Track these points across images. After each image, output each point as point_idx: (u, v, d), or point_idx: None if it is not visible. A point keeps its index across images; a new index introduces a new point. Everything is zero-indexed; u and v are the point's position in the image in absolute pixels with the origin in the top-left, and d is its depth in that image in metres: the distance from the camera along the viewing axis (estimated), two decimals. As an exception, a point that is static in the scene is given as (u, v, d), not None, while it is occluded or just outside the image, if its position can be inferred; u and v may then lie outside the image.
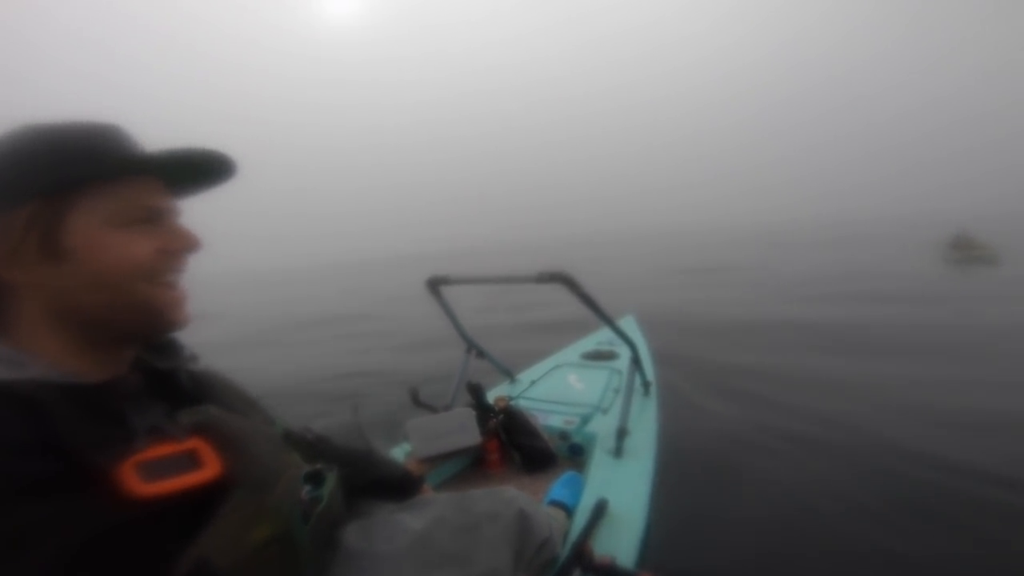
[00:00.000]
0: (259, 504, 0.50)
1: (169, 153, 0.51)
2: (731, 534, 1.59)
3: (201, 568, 0.43)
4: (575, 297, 1.41)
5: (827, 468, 1.95)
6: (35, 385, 0.43)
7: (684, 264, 13.09)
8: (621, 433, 1.54)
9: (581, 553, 0.99)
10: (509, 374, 2.28)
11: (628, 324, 2.99)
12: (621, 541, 1.13)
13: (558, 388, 2.12)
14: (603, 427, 1.66)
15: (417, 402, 1.69)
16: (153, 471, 0.43)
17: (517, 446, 1.61)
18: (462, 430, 1.56)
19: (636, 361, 1.85)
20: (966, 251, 10.51)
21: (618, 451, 1.50)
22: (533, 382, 2.22)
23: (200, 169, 0.57)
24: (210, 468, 0.47)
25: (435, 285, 1.70)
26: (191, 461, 0.47)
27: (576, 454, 1.66)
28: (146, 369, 0.57)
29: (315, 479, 0.63)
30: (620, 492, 1.29)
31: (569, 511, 1.25)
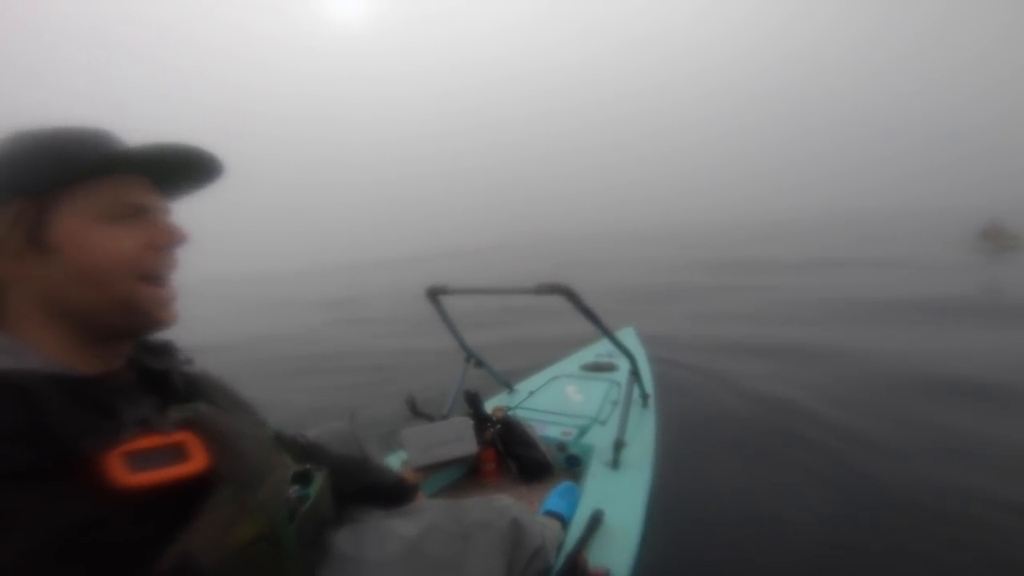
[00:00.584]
0: (245, 501, 0.50)
1: (149, 148, 0.53)
2: (727, 548, 1.58)
3: (185, 564, 0.43)
4: (574, 308, 1.41)
5: (828, 480, 1.93)
6: (28, 374, 0.44)
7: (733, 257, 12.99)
8: (618, 445, 1.53)
9: (575, 564, 0.99)
10: (507, 384, 2.28)
11: (628, 336, 2.99)
12: (617, 553, 1.12)
13: (556, 399, 2.12)
14: (601, 438, 1.66)
15: (414, 411, 1.69)
16: (140, 462, 0.43)
17: (514, 456, 1.60)
18: (458, 439, 1.55)
19: (635, 373, 1.85)
20: (998, 240, 10.49)
21: (615, 463, 1.50)
22: (531, 392, 2.21)
23: (185, 167, 0.58)
24: (197, 461, 0.47)
25: (434, 295, 1.71)
26: (178, 454, 0.47)
27: (573, 465, 1.65)
28: (141, 369, 0.58)
29: (303, 479, 0.63)
30: (616, 503, 1.29)
31: (565, 521, 1.24)
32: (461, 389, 1.83)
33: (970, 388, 2.86)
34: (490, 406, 1.79)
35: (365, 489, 0.89)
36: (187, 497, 0.46)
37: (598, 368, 2.48)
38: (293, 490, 0.60)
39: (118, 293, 0.51)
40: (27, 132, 0.51)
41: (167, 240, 0.56)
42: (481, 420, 1.64)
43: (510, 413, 1.72)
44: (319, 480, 0.65)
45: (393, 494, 0.94)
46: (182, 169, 0.58)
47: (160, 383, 0.58)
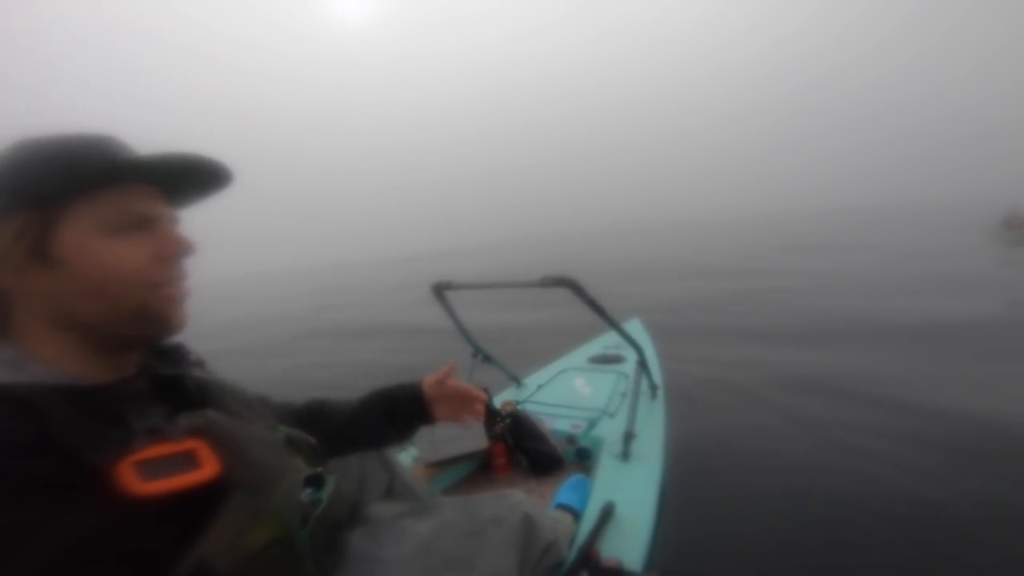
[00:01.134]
0: (258, 506, 0.50)
1: (156, 157, 0.52)
2: (739, 538, 1.58)
3: (202, 571, 0.44)
4: (580, 300, 1.41)
5: (840, 470, 1.93)
6: (34, 387, 0.44)
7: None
8: (628, 437, 1.53)
9: (588, 556, 0.99)
10: (515, 379, 2.28)
11: (635, 327, 2.98)
12: (628, 544, 1.13)
13: (565, 392, 2.12)
14: (610, 431, 1.66)
15: None
16: (151, 470, 0.44)
17: (524, 450, 1.61)
18: (469, 435, 1.56)
19: (643, 364, 1.85)
20: (1020, 229, 10.35)
21: (625, 455, 1.50)
22: (540, 386, 2.22)
23: (193, 176, 0.57)
24: (208, 468, 0.47)
25: (440, 290, 1.71)
26: (189, 461, 0.47)
27: (583, 458, 1.65)
28: (152, 375, 0.58)
29: (316, 482, 0.63)
30: (627, 495, 1.29)
31: (576, 514, 1.25)
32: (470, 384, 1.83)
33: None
34: (499, 400, 1.80)
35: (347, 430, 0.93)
36: (200, 505, 0.46)
37: (606, 360, 2.48)
38: (306, 493, 0.60)
39: (130, 304, 0.51)
40: (30, 140, 0.50)
41: (175, 250, 0.55)
42: (491, 415, 1.65)
43: (519, 407, 1.72)
44: (331, 483, 0.65)
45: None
46: (190, 178, 0.57)
47: (171, 388, 0.58)
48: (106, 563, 0.41)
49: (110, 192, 0.50)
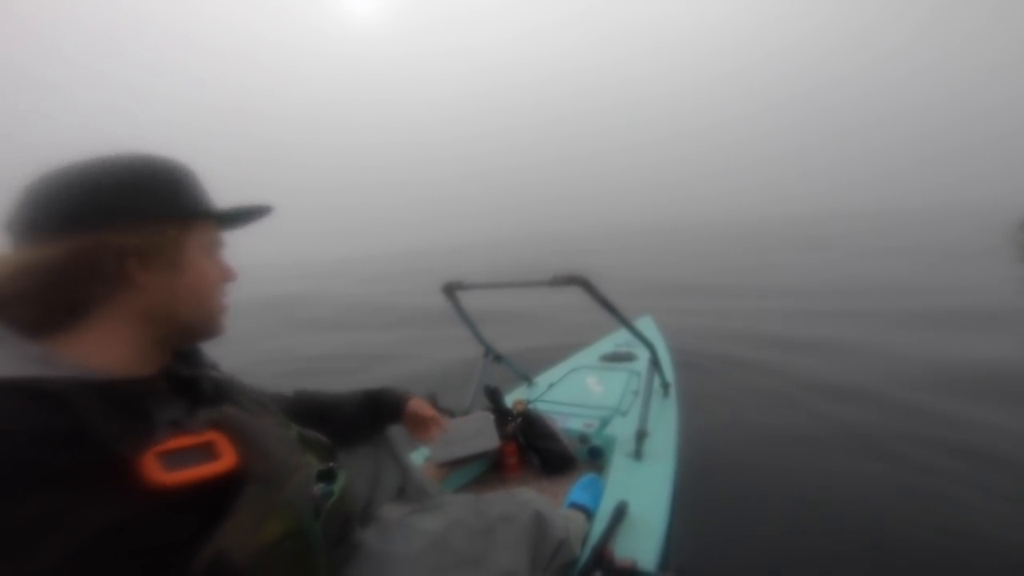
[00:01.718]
0: (272, 498, 0.52)
1: (241, 209, 0.65)
2: (753, 537, 1.56)
3: (219, 562, 0.45)
4: (592, 299, 1.40)
5: (855, 469, 1.90)
6: (64, 381, 0.46)
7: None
8: (641, 435, 1.52)
9: (601, 556, 0.99)
10: (527, 377, 2.28)
11: (646, 325, 2.97)
12: (642, 544, 1.12)
13: (576, 390, 2.11)
14: (622, 429, 1.65)
15: (435, 407, 1.70)
16: (173, 461, 0.46)
17: (536, 449, 1.60)
18: (480, 434, 1.56)
19: (655, 362, 1.83)
20: None
21: (638, 453, 1.49)
22: (551, 385, 2.21)
23: (246, 218, 0.68)
24: (226, 460, 0.50)
25: (451, 290, 1.71)
26: (209, 453, 0.50)
27: (596, 457, 1.64)
28: (171, 375, 0.60)
29: (328, 477, 0.65)
30: (640, 494, 1.28)
31: (589, 514, 1.24)
32: (481, 384, 1.83)
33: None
34: (510, 400, 1.79)
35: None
36: (218, 496, 0.48)
37: (617, 358, 2.47)
38: (318, 488, 0.62)
39: (211, 309, 0.62)
40: (160, 159, 0.57)
41: (231, 275, 0.66)
42: (502, 414, 1.64)
43: (530, 406, 1.72)
44: (343, 477, 0.67)
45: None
46: (244, 220, 0.68)
47: (189, 387, 0.59)
48: (130, 552, 0.42)
49: (212, 223, 0.62)
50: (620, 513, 1.16)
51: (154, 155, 0.57)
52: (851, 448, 2.07)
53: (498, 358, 2.13)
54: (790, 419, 2.41)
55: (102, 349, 0.51)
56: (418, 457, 1.58)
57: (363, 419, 1.00)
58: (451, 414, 1.68)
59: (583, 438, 1.68)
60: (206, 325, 0.62)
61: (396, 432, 1.08)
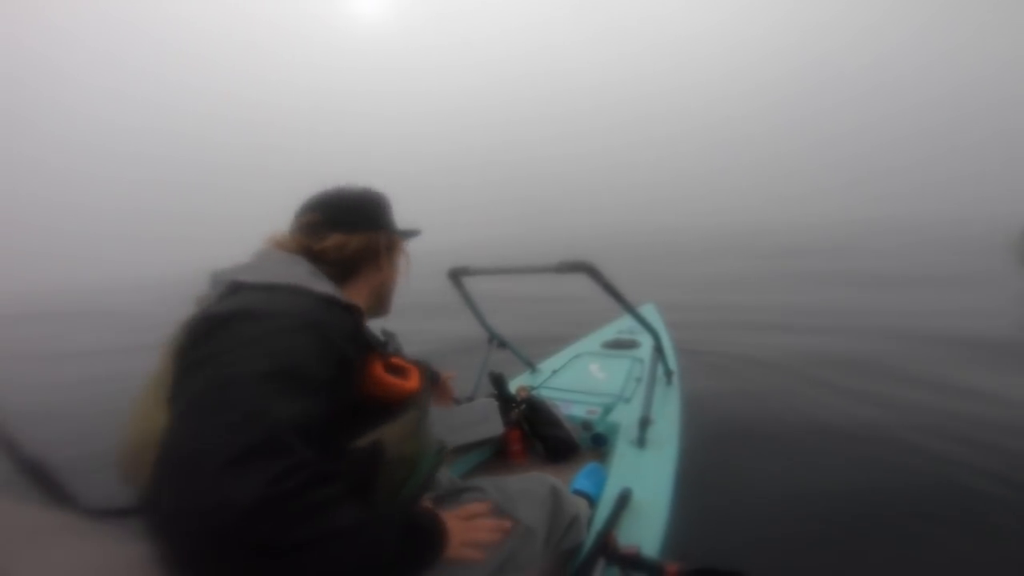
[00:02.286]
0: (419, 425, 0.75)
1: (413, 231, 0.98)
2: (756, 523, 1.57)
3: (375, 446, 0.67)
4: (598, 286, 1.39)
5: (857, 456, 1.91)
6: (351, 305, 0.74)
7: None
8: (644, 423, 1.53)
9: (606, 543, 1.00)
10: (530, 364, 2.28)
11: (649, 312, 2.96)
12: (645, 531, 1.13)
13: (580, 377, 2.11)
14: (626, 416, 1.66)
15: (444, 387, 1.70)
16: (391, 370, 0.74)
17: (540, 436, 1.61)
18: (485, 420, 1.56)
19: (658, 350, 1.83)
20: None
21: (641, 441, 1.49)
22: (555, 371, 2.21)
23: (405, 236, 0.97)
24: (413, 383, 0.76)
25: (457, 276, 1.70)
26: (407, 374, 0.77)
27: (599, 444, 1.65)
28: None
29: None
30: (644, 482, 1.29)
31: (593, 501, 1.25)
32: (485, 370, 1.83)
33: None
34: (513, 386, 1.80)
35: None
36: (394, 403, 0.72)
37: (620, 345, 2.47)
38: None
39: (388, 295, 0.94)
40: (373, 190, 0.91)
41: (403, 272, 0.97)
42: (506, 401, 1.65)
43: (534, 393, 1.72)
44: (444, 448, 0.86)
45: None
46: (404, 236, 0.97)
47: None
48: (347, 422, 0.65)
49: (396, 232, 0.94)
50: (624, 500, 1.16)
51: (368, 187, 0.90)
52: (853, 435, 2.08)
53: (502, 344, 2.13)
54: (793, 407, 2.42)
55: (358, 300, 0.83)
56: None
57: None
58: (456, 400, 1.68)
59: (586, 425, 1.69)
60: (388, 304, 0.95)
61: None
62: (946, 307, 4.63)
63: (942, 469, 1.79)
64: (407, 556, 0.61)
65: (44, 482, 0.73)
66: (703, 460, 1.77)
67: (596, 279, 1.36)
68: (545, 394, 1.83)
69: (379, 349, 0.75)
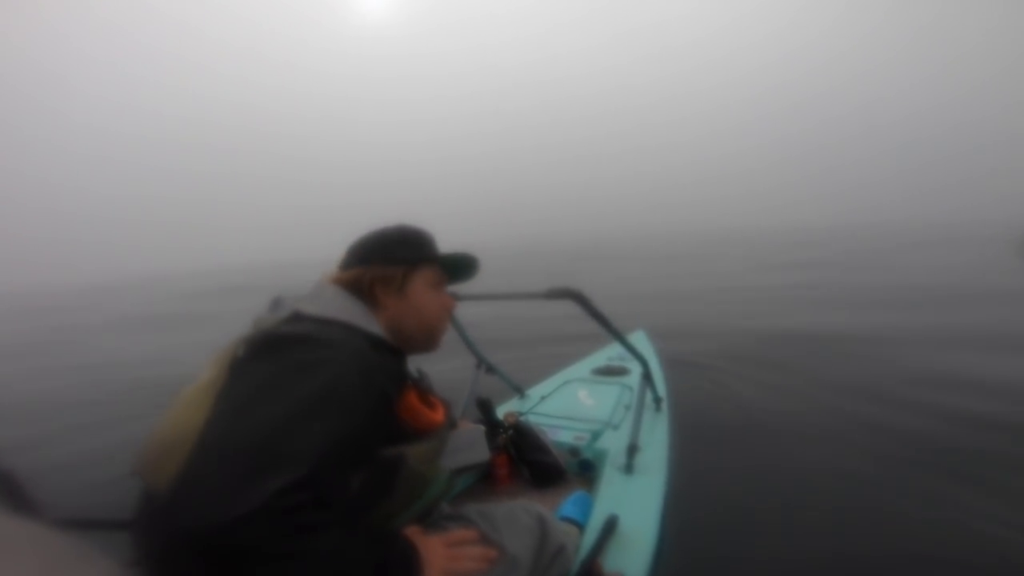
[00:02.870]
0: (437, 452, 0.84)
1: (453, 255, 0.97)
2: (743, 553, 1.55)
3: (399, 457, 0.75)
4: (585, 313, 1.40)
5: (847, 485, 1.91)
6: (398, 349, 0.86)
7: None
8: (632, 449, 1.52)
9: (591, 569, 0.98)
10: (519, 389, 2.27)
11: (639, 339, 2.97)
12: (632, 558, 1.11)
13: (568, 404, 2.11)
14: (614, 443, 1.65)
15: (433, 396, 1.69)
16: (424, 402, 0.83)
17: (527, 462, 1.60)
18: (471, 447, 1.54)
19: (647, 377, 1.84)
20: None
21: (629, 467, 1.49)
22: (543, 397, 2.20)
23: (462, 266, 1.00)
24: (438, 416, 0.85)
25: None
26: (434, 406, 0.86)
27: (586, 470, 1.64)
28: None
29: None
30: (631, 509, 1.28)
31: (580, 528, 1.24)
32: (473, 395, 1.82)
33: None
34: (501, 411, 1.79)
35: None
36: (419, 430, 0.80)
37: (610, 372, 2.47)
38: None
39: (427, 330, 0.94)
40: (402, 226, 0.95)
41: (450, 307, 0.99)
42: (493, 426, 1.64)
43: (522, 418, 1.71)
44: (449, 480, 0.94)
45: None
46: (461, 267, 1.00)
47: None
48: (388, 433, 0.74)
49: (433, 265, 0.95)
50: (610, 527, 1.15)
51: (403, 224, 0.95)
52: (844, 465, 2.08)
53: (491, 369, 2.12)
54: (783, 434, 2.41)
55: (388, 331, 0.87)
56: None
57: None
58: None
59: (574, 451, 1.68)
60: (425, 339, 0.94)
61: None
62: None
63: (944, 497, 1.78)
64: None
65: (10, 490, 0.72)
66: (691, 488, 1.76)
67: (584, 306, 1.37)
68: (533, 420, 1.82)
69: (415, 383, 0.84)
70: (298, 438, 0.57)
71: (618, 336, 1.57)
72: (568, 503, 1.36)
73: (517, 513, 0.98)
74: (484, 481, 1.64)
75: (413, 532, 0.80)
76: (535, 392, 2.31)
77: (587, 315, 1.41)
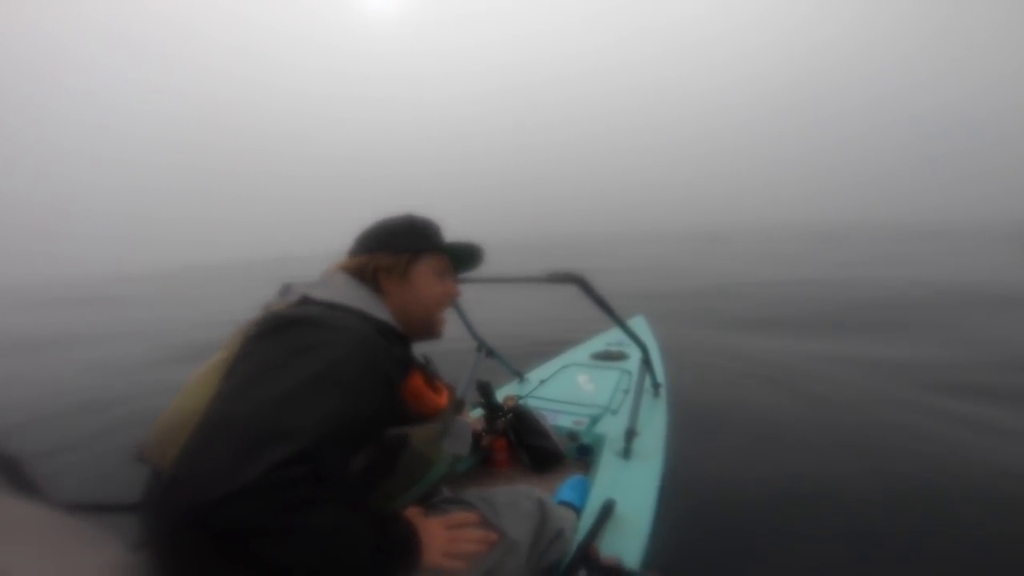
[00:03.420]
0: (440, 435, 0.81)
1: (459, 244, 0.99)
2: (737, 537, 1.58)
3: (403, 438, 0.75)
4: (587, 297, 1.40)
5: (841, 472, 1.93)
6: (397, 331, 0.86)
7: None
8: (630, 434, 1.53)
9: (587, 553, 1.00)
10: (518, 373, 2.28)
11: (638, 324, 2.98)
12: (628, 542, 1.13)
13: (567, 388, 2.12)
14: (612, 428, 1.66)
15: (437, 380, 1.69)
16: (429, 386, 0.84)
17: (525, 446, 1.61)
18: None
19: (646, 362, 1.84)
20: None
21: (627, 452, 1.50)
22: (542, 381, 2.22)
23: (467, 255, 1.02)
24: (442, 400, 0.85)
25: None
26: (439, 390, 0.86)
27: (584, 454, 1.66)
28: None
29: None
30: (628, 493, 1.29)
31: (577, 512, 1.25)
32: (473, 379, 1.83)
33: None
34: (501, 395, 1.80)
35: None
36: (423, 413, 0.81)
37: (609, 357, 2.48)
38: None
39: (429, 315, 0.94)
40: (409, 215, 0.97)
41: (453, 294, 0.99)
42: (493, 410, 1.65)
43: (521, 402, 1.72)
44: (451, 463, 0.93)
45: None
46: (465, 257, 1.02)
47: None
48: (392, 415, 0.75)
49: (439, 254, 0.96)
50: (607, 511, 1.17)
51: (410, 214, 0.97)
52: (838, 451, 2.10)
53: (490, 353, 2.13)
54: (779, 421, 2.44)
55: (393, 317, 0.88)
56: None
57: None
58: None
59: (572, 436, 1.69)
60: (427, 326, 0.95)
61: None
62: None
63: (926, 482, 1.81)
64: (379, 565, 0.63)
65: (14, 474, 0.73)
66: (688, 473, 1.78)
67: (586, 291, 1.36)
68: (532, 404, 1.83)
69: (421, 368, 0.85)
70: (296, 414, 0.57)
71: (618, 321, 1.57)
72: (566, 487, 1.37)
73: (517, 498, 0.99)
74: (483, 465, 1.65)
75: (413, 514, 0.82)
76: (534, 376, 2.32)
77: (588, 299, 1.40)
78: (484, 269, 1.12)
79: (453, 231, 1.01)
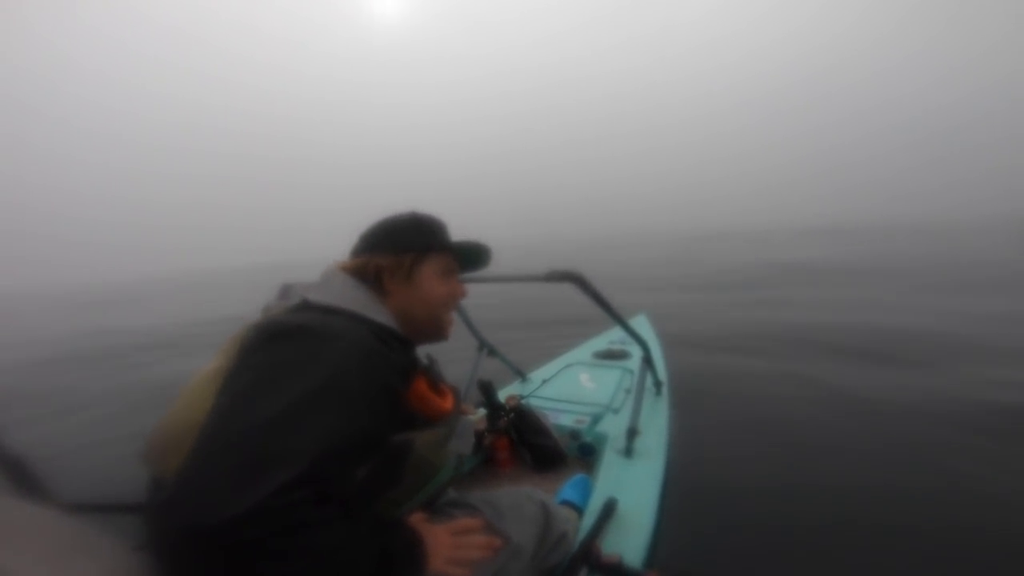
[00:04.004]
0: (444, 439, 0.80)
1: (466, 243, 0.95)
2: (739, 536, 1.57)
3: (408, 443, 0.74)
4: (586, 296, 1.40)
5: (843, 469, 1.92)
6: (403, 337, 0.84)
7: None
8: (632, 433, 1.53)
9: (588, 551, 1.00)
10: (520, 372, 2.28)
11: (640, 323, 2.98)
12: (629, 541, 1.13)
13: (569, 387, 2.12)
14: (614, 427, 1.66)
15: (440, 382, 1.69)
16: (433, 390, 0.82)
17: (527, 445, 1.61)
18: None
19: (648, 361, 1.84)
20: None
21: (628, 451, 1.50)
22: (544, 381, 2.22)
23: (474, 255, 0.99)
24: (448, 404, 0.84)
25: None
26: (443, 395, 0.85)
27: (586, 453, 1.66)
28: None
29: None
30: (629, 492, 1.29)
31: (579, 511, 1.25)
32: (475, 378, 1.83)
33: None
34: (503, 394, 1.80)
35: None
36: (428, 417, 0.80)
37: (611, 356, 2.48)
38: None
39: (435, 317, 0.90)
40: (414, 214, 0.93)
41: (459, 294, 0.97)
42: (495, 409, 1.65)
43: (523, 402, 1.72)
44: (457, 463, 0.97)
45: None
46: (472, 256, 0.98)
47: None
48: (395, 423, 0.73)
49: (444, 254, 0.93)
50: (609, 510, 1.17)
51: (414, 212, 0.93)
52: (840, 448, 2.09)
53: (492, 352, 2.13)
54: (781, 420, 2.43)
55: (396, 319, 0.85)
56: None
57: None
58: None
59: (574, 435, 1.69)
60: (433, 328, 0.91)
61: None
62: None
63: (929, 487, 1.80)
64: (385, 575, 0.63)
65: (20, 475, 0.73)
66: (689, 471, 1.78)
67: (584, 289, 1.36)
68: (534, 403, 1.84)
69: (425, 371, 0.84)
70: (296, 434, 0.56)
71: (619, 319, 1.56)
72: (568, 486, 1.37)
73: (521, 501, 0.99)
74: (485, 464, 1.66)
75: (418, 520, 0.81)
76: (536, 375, 2.32)
77: (588, 298, 1.40)
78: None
79: (455, 231, 0.99)
